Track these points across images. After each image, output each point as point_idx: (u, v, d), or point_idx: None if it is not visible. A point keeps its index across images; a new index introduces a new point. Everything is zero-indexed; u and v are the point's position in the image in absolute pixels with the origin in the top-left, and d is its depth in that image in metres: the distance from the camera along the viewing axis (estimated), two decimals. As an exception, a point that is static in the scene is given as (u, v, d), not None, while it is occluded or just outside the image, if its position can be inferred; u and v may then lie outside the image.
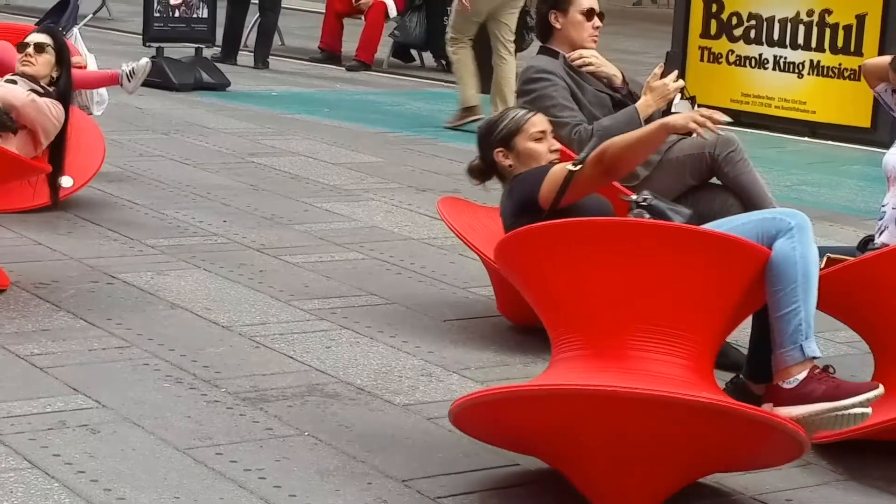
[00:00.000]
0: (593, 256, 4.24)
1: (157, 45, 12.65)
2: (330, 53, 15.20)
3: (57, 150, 7.18)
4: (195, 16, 12.94)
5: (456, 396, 5.11)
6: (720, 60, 12.28)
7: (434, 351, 5.66)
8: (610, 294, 4.22)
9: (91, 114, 8.28)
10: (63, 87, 7.26)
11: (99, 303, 6.04)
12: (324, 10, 15.48)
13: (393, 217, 7.98)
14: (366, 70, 14.63)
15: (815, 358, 4.24)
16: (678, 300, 4.20)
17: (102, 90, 8.36)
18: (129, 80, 8.05)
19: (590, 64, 6.11)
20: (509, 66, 11.05)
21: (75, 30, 9.45)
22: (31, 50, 7.26)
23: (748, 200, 5.71)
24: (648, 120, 5.97)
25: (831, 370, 4.29)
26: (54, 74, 7.29)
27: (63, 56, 7.29)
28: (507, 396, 4.08)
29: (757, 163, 6.05)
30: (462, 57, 11.21)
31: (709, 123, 4.43)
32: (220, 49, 14.06)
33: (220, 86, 12.56)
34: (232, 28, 14.38)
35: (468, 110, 11.19)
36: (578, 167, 4.66)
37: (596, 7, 6.19)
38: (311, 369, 5.38)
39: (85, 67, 8.16)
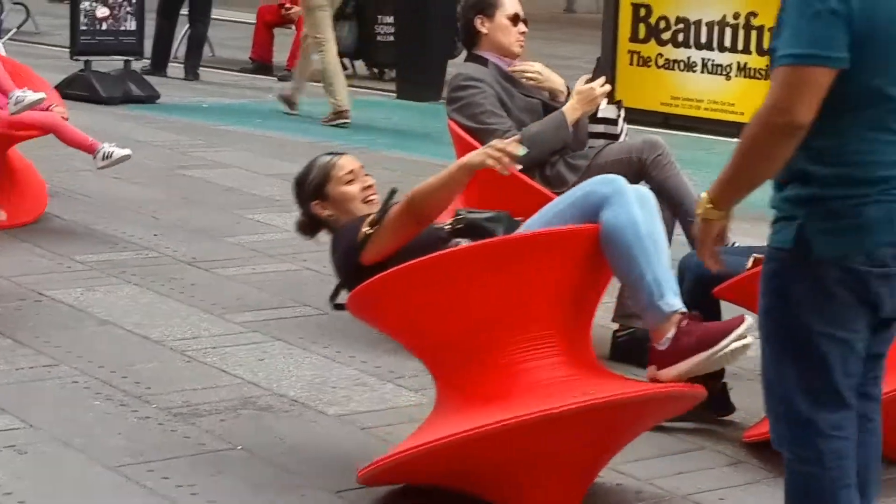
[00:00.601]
0: (429, 297, 4.23)
1: (84, 58, 12.54)
2: (261, 63, 15.16)
3: None
4: (123, 28, 12.84)
5: (390, 405, 5.12)
6: (649, 64, 12.34)
7: (368, 360, 5.65)
8: (463, 324, 4.21)
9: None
10: None
11: (27, 321, 5.98)
12: (254, 21, 15.42)
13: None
14: (297, 79, 14.58)
15: (676, 311, 4.18)
16: (529, 307, 4.19)
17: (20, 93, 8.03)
18: (103, 160, 7.80)
19: (532, 79, 6.09)
20: (331, 54, 11.66)
21: (-1, 44, 9.37)
22: None
23: (676, 203, 5.73)
24: (577, 125, 5.98)
25: (696, 314, 4.25)
26: None
27: None
28: (409, 458, 4.10)
29: (686, 165, 6.08)
30: (329, 58, 11.59)
31: (504, 158, 4.27)
32: (149, 61, 13.97)
33: (150, 98, 12.49)
34: (161, 40, 14.30)
35: (339, 114, 11.60)
36: (374, 228, 4.50)
37: (521, 13, 6.19)
38: (243, 382, 5.35)
39: (66, 119, 7.91)
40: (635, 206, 4.23)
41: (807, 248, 3.22)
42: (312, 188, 4.89)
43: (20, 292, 6.38)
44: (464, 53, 6.38)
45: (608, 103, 6.09)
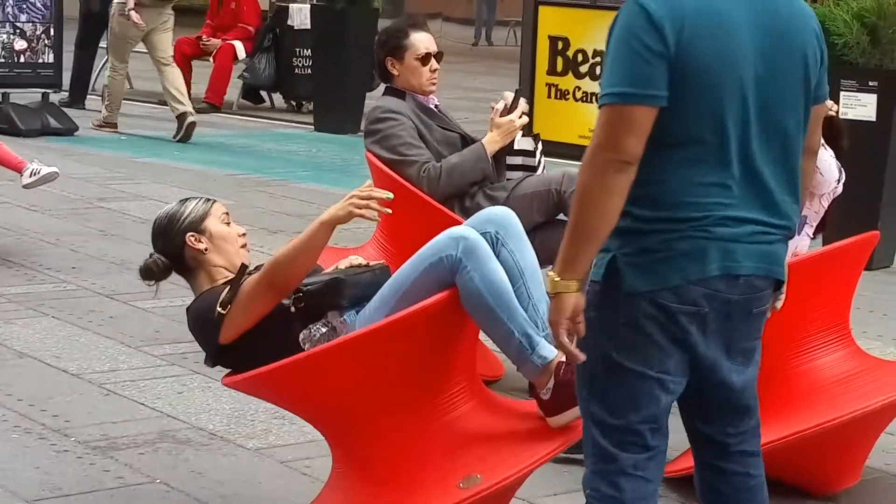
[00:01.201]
0: (302, 393, 4.15)
1: (2, 90, 12.49)
2: (179, 96, 15.12)
3: None
4: (41, 61, 12.82)
5: (310, 438, 5.15)
6: (567, 97, 12.47)
7: (286, 393, 5.67)
8: (347, 412, 4.13)
9: None
10: None
11: (-55, 354, 5.97)
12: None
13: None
14: (215, 112, 14.60)
15: (549, 362, 4.08)
16: (411, 383, 4.10)
17: None
18: (30, 177, 7.78)
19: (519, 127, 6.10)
20: (173, 72, 12.76)
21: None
22: None
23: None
24: (496, 156, 6.04)
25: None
26: None
27: None
28: None
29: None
30: (118, 83, 12.74)
31: (372, 203, 4.11)
32: (67, 93, 13.92)
33: (68, 131, 12.45)
34: (79, 72, 14.26)
35: (110, 124, 12.76)
36: (227, 308, 4.26)
37: (433, 49, 6.22)
38: (162, 415, 5.37)
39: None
40: (489, 264, 4.10)
41: (618, 281, 3.18)
42: (188, 222, 4.56)
43: (-63, 326, 6.37)
44: (382, 86, 6.43)
45: (524, 135, 6.16)
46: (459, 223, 5.60)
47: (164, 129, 13.35)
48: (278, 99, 15.44)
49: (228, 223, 4.61)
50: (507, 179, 6.13)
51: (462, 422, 4.11)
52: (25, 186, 7.89)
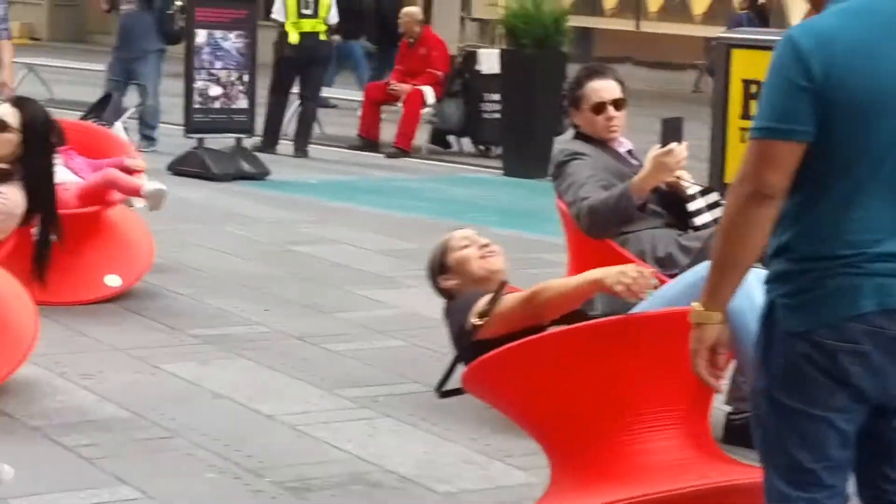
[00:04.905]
0: (551, 373, 4.22)
1: (198, 135, 12.78)
2: (368, 141, 15.32)
3: (42, 243, 6.52)
4: (235, 106, 13.07)
5: (499, 484, 5.14)
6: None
7: (476, 438, 5.67)
8: (584, 402, 4.20)
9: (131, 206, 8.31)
10: (30, 170, 6.31)
11: (144, 393, 6.09)
12: (361, 98, 15.62)
13: (433, 304, 7.92)
14: (404, 157, 14.74)
15: None
16: (653, 387, 4.17)
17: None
18: (148, 199, 7.94)
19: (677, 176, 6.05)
20: None
21: (118, 123, 9.59)
22: None
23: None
24: (660, 193, 5.94)
25: None
26: (18, 155, 6.41)
27: (33, 136, 6.36)
28: None
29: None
30: None
31: (633, 287, 4.30)
32: (260, 139, 14.19)
33: (260, 175, 12.67)
34: (272, 118, 14.53)
35: None
36: (482, 321, 4.61)
37: (608, 97, 6.19)
38: (353, 458, 5.41)
39: (143, 171, 8.08)
40: (756, 290, 4.22)
41: (776, 321, 3.20)
42: (436, 265, 5.11)
43: (136, 365, 6.50)
44: (571, 130, 6.44)
45: (700, 194, 6.06)
46: (657, 278, 5.53)
47: (353, 173, 13.53)
48: (467, 143, 15.53)
49: (467, 245, 4.99)
50: (697, 228, 6.03)
51: (685, 447, 4.17)
52: (149, 209, 8.03)
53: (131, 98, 14.02)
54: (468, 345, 4.63)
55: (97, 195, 7.77)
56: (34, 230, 6.66)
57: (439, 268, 5.10)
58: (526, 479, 5.21)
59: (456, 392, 4.67)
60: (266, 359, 6.72)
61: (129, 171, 7.93)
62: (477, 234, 5.16)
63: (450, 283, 5.04)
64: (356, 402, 6.11)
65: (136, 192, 7.84)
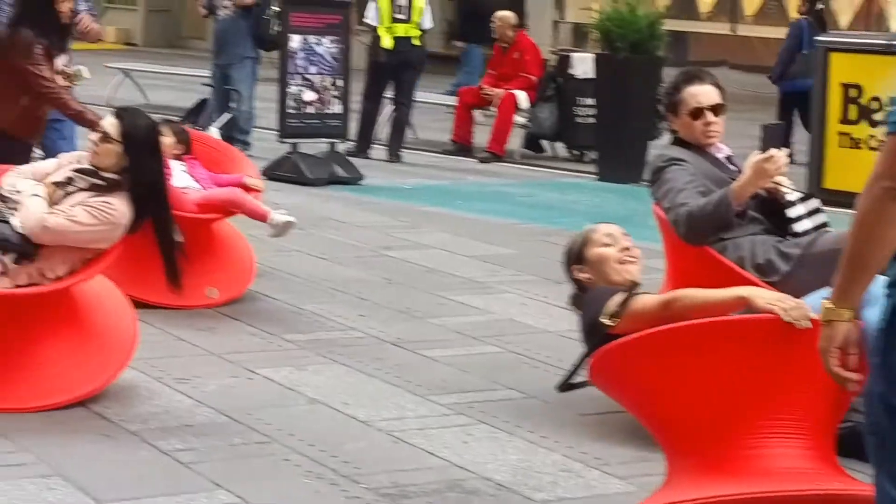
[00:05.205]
0: (681, 365, 4.20)
1: (291, 140, 12.83)
2: (462, 145, 15.32)
3: (165, 249, 6.32)
4: (329, 111, 13.12)
5: (597, 493, 5.09)
6: (860, 146, 12.13)
7: (573, 446, 5.63)
8: (715, 397, 4.17)
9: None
10: (135, 179, 6.14)
11: (239, 398, 6.10)
12: (455, 103, 15.63)
13: (528, 310, 7.97)
14: (498, 161, 14.71)
15: None
16: (786, 392, 4.14)
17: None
18: (271, 227, 7.96)
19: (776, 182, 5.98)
20: None
21: (213, 129, 9.64)
22: (95, 137, 6.27)
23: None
24: (759, 199, 5.87)
25: None
26: (123, 165, 6.16)
27: (134, 145, 6.19)
28: None
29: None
30: None
31: (793, 314, 4.21)
32: (353, 143, 14.23)
33: (354, 180, 12.70)
34: (365, 122, 14.56)
35: None
36: (613, 322, 4.70)
37: (707, 102, 6.12)
38: (449, 465, 5.38)
39: (261, 192, 8.10)
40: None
41: (895, 326, 3.10)
42: (573, 254, 5.25)
43: (233, 370, 6.52)
44: (666, 135, 6.41)
45: (801, 199, 5.98)
46: (753, 283, 5.48)
47: (446, 178, 13.52)
48: (560, 148, 15.48)
49: (609, 244, 5.08)
50: (797, 234, 5.95)
51: (809, 457, 4.14)
52: (270, 236, 8.06)
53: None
54: (598, 340, 4.66)
55: (217, 209, 7.84)
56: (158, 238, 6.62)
57: (576, 258, 5.25)
58: (624, 487, 5.16)
59: (578, 385, 4.74)
60: (361, 364, 6.71)
61: (248, 189, 8.01)
62: (623, 232, 5.25)
63: (583, 275, 5.19)
64: (451, 408, 6.09)
65: (262, 218, 7.88)
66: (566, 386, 4.90)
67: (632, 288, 4.76)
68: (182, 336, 7.07)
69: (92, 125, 6.83)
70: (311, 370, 6.58)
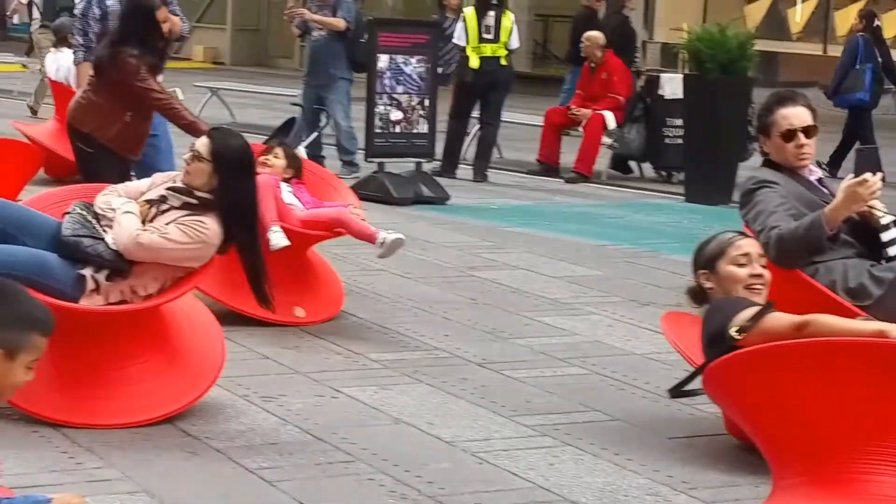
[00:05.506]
0: (803, 382, 4.14)
1: (378, 160, 12.85)
2: (548, 165, 15.27)
3: (250, 272, 6.28)
4: (415, 131, 13.12)
5: (684, 517, 5.03)
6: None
7: (660, 469, 5.57)
8: (833, 417, 4.11)
9: None
10: (224, 199, 6.14)
11: (324, 417, 6.09)
12: (541, 123, 15.59)
13: (615, 331, 7.91)
14: (584, 182, 14.65)
15: None
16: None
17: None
18: (379, 247, 7.94)
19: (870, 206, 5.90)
20: None
21: (301, 148, 9.66)
22: (187, 156, 6.28)
23: None
24: (852, 222, 5.78)
25: None
26: (214, 185, 6.17)
27: (224, 165, 6.18)
28: None
29: None
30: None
31: None
32: (439, 163, 14.22)
33: (440, 199, 12.68)
34: (452, 142, 14.56)
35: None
36: (741, 336, 4.70)
37: (799, 124, 6.04)
38: (534, 486, 5.34)
39: (364, 220, 8.08)
40: None
41: None
42: (705, 258, 5.22)
43: (318, 388, 6.52)
44: (757, 156, 6.34)
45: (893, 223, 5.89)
46: (845, 307, 5.40)
47: (533, 198, 13.48)
48: (648, 169, 15.39)
49: (744, 264, 5.08)
50: (890, 258, 5.85)
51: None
52: (379, 256, 8.03)
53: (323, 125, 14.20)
54: (720, 351, 4.64)
55: (324, 227, 7.86)
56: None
57: (706, 264, 5.25)
58: (711, 513, 5.10)
59: (690, 393, 4.73)
60: (446, 384, 6.69)
61: None
62: (759, 253, 5.26)
63: (708, 284, 5.23)
64: (537, 429, 6.05)
65: (370, 239, 7.85)
66: (678, 392, 4.88)
67: (767, 304, 4.73)
68: (268, 354, 7.08)
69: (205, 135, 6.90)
70: (396, 390, 6.56)
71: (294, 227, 7.68)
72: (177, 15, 8.84)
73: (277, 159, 7.98)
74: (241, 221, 6.12)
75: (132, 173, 8.22)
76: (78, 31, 9.50)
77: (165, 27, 8.03)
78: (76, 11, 9.64)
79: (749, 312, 4.72)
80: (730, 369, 4.34)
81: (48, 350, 3.80)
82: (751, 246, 5.18)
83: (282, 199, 7.80)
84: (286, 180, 8.00)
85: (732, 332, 4.67)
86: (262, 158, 7.83)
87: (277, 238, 7.53)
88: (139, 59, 7.78)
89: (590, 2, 18.65)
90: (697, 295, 5.34)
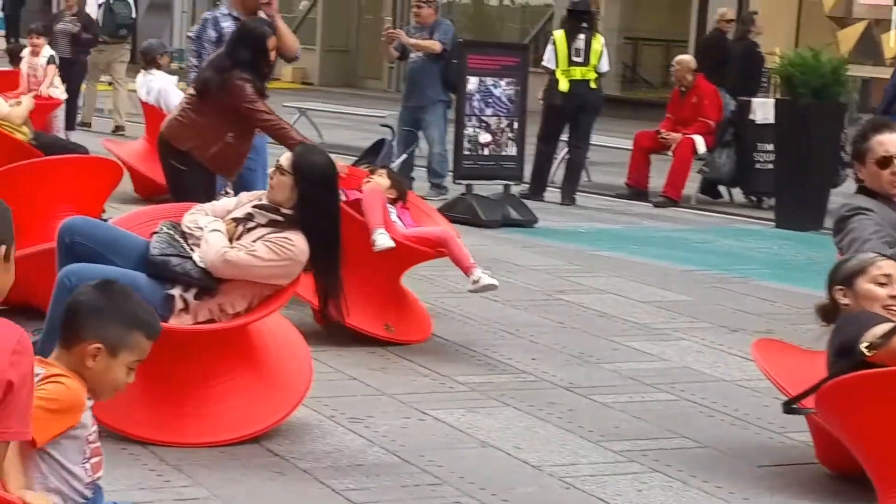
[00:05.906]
0: None
1: (466, 182, 12.85)
2: (636, 189, 15.18)
3: (322, 291, 6.29)
4: (504, 153, 13.11)
5: (774, 547, 4.96)
6: None
7: (749, 498, 5.50)
8: None
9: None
10: (306, 215, 6.11)
11: (411, 439, 6.08)
12: (630, 146, 15.52)
13: (704, 357, 7.84)
14: (673, 206, 14.55)
15: None
16: None
17: None
18: (472, 284, 7.88)
19: None
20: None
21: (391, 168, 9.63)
22: (271, 171, 6.27)
23: None
24: None
25: None
26: (296, 200, 6.17)
27: (304, 180, 6.14)
28: None
29: None
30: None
31: None
32: (527, 185, 14.19)
33: (528, 222, 12.65)
34: (540, 165, 14.52)
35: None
36: (871, 352, 4.67)
37: (895, 151, 5.99)
38: (622, 513, 5.29)
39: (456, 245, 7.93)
40: None
41: None
42: (844, 275, 5.18)
43: (405, 410, 6.51)
44: (849, 183, 6.27)
45: None
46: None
47: (621, 222, 13.41)
48: (738, 194, 15.27)
49: (884, 283, 5.05)
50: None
51: None
52: (469, 290, 8.00)
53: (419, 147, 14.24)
54: (848, 365, 4.61)
55: (428, 244, 7.87)
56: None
57: (843, 280, 5.20)
58: (802, 543, 5.03)
59: (800, 412, 4.68)
60: (533, 408, 6.65)
61: None
62: None
63: (844, 301, 5.17)
64: (625, 455, 6.00)
65: (466, 270, 7.80)
66: (790, 409, 4.82)
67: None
68: (355, 375, 7.08)
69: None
70: (483, 413, 6.54)
71: (399, 239, 7.68)
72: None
73: (381, 178, 8.00)
74: (320, 236, 6.12)
75: (230, 191, 8.30)
76: (192, 53, 9.60)
77: (272, 56, 8.16)
78: (189, 34, 9.75)
79: (882, 329, 4.66)
80: (846, 391, 4.27)
81: (137, 369, 3.82)
82: (893, 268, 5.14)
83: (387, 210, 7.81)
84: (391, 202, 8.01)
85: (863, 346, 4.61)
86: (365, 179, 7.90)
87: (383, 239, 7.53)
88: (249, 82, 7.88)
89: (721, 24, 18.65)
90: (829, 312, 5.28)
